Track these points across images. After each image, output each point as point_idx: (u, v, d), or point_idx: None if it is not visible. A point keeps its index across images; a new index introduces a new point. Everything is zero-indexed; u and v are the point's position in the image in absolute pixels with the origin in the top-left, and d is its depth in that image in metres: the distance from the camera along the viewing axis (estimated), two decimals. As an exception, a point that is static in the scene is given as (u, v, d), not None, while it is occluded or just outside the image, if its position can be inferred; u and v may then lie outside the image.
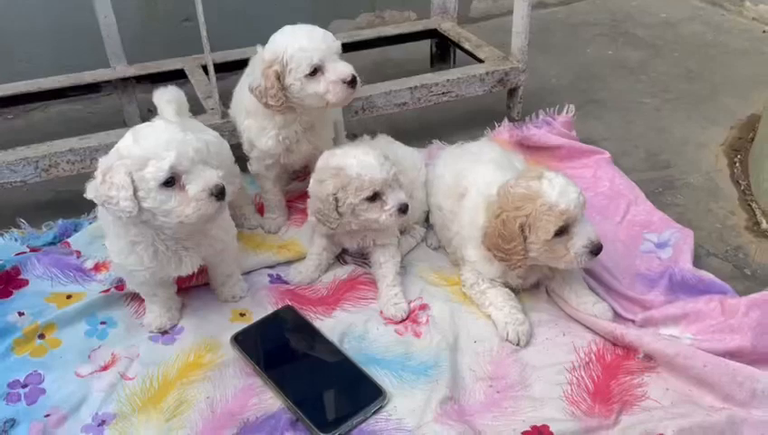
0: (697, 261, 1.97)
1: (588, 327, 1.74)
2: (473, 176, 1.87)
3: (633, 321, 1.77)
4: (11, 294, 1.86)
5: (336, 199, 1.75)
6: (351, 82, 1.81)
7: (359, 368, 1.63)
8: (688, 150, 2.53)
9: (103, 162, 1.48)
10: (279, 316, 1.79)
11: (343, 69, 1.81)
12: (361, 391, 1.57)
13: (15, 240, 2.04)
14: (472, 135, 2.47)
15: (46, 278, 1.91)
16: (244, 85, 1.95)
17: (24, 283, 1.89)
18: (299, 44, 1.80)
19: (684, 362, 1.58)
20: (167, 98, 1.86)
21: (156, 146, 1.45)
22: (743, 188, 2.31)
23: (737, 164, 2.43)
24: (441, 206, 1.97)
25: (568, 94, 2.86)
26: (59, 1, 2.75)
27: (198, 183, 1.47)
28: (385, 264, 1.85)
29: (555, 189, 1.62)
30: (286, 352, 1.70)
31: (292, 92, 1.82)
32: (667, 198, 2.28)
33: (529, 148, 2.43)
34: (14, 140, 2.32)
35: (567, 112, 2.54)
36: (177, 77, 2.64)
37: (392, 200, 1.76)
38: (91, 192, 1.48)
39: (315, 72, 1.80)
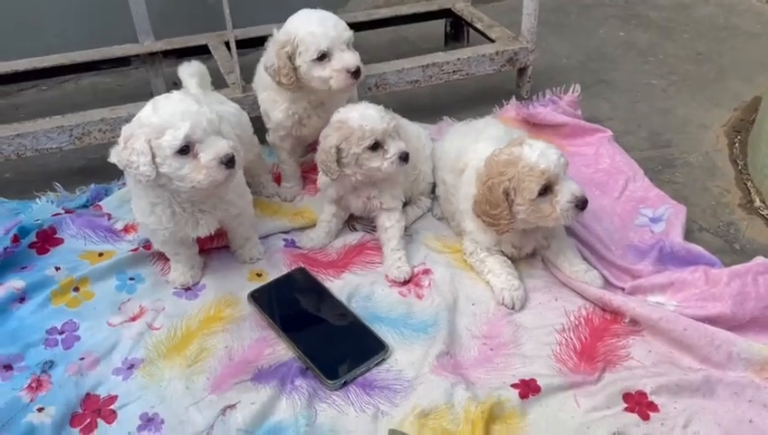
0: (690, 235, 2.08)
1: (579, 293, 1.86)
2: (473, 152, 1.99)
3: (623, 289, 1.89)
4: (48, 250, 2.02)
5: (339, 150, 1.87)
6: (355, 73, 1.93)
7: (364, 324, 1.77)
8: (690, 131, 2.61)
9: (126, 130, 1.62)
10: (292, 276, 1.93)
11: (349, 59, 1.93)
12: (366, 345, 1.72)
13: (51, 202, 2.19)
14: (482, 112, 2.58)
15: (80, 238, 2.07)
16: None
17: (60, 241, 2.05)
18: (310, 29, 1.92)
19: (666, 325, 1.70)
20: (189, 72, 1.99)
21: (172, 116, 1.58)
22: (740, 167, 2.40)
23: (737, 144, 2.52)
24: (445, 180, 2.09)
25: (578, 74, 2.95)
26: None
27: (210, 152, 1.59)
28: (390, 228, 1.98)
29: (535, 152, 1.74)
30: (298, 308, 1.85)
31: (300, 73, 1.95)
32: (665, 175, 2.38)
33: (534, 125, 2.53)
34: (48, 110, 2.49)
35: (573, 92, 2.63)
36: (201, 52, 2.78)
37: (393, 148, 1.88)
38: (114, 157, 1.62)
39: (323, 57, 1.92)
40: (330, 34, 1.92)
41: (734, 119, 2.68)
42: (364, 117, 1.87)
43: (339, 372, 1.65)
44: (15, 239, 1.98)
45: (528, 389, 1.61)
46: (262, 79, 2.11)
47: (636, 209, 2.17)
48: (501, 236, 1.87)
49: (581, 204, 1.74)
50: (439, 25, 3.26)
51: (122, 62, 2.80)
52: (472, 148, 2.01)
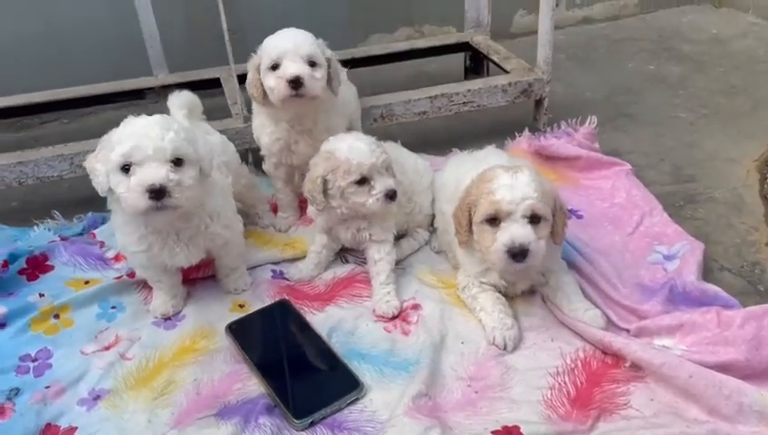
0: (709, 275, 1.91)
1: (578, 334, 1.71)
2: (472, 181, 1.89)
3: (627, 330, 1.73)
4: (37, 277, 2.01)
5: (325, 182, 1.81)
6: (292, 82, 1.85)
7: (341, 361, 1.67)
8: (717, 165, 2.44)
9: (104, 138, 1.62)
10: (273, 309, 1.85)
11: (290, 68, 1.86)
12: (340, 383, 1.61)
13: (49, 230, 2.20)
14: (497, 145, 2.45)
15: (70, 265, 2.04)
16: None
17: (50, 268, 2.03)
18: (270, 40, 1.91)
19: (669, 371, 1.53)
20: (177, 103, 1.98)
21: (128, 135, 1.55)
22: (771, 203, 2.21)
23: (768, 179, 2.33)
24: (443, 210, 1.99)
25: (600, 108, 2.82)
26: (110, 16, 2.96)
27: (138, 177, 1.53)
28: (380, 261, 1.89)
29: (504, 182, 1.64)
30: (275, 342, 1.75)
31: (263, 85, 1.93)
32: (687, 211, 2.21)
33: (548, 158, 2.42)
34: (67, 142, 2.51)
35: (589, 123, 2.50)
36: (214, 85, 2.79)
37: (380, 185, 1.80)
38: (86, 162, 1.63)
39: (275, 68, 1.89)
40: (283, 46, 1.88)
41: None
42: (353, 149, 1.81)
43: (307, 410, 1.54)
44: (5, 265, 1.97)
45: (510, 437, 1.46)
46: (256, 106, 2.08)
47: (650, 246, 2.01)
48: (459, 246, 1.78)
49: (516, 253, 1.61)
50: (460, 60, 3.19)
51: (137, 94, 2.83)
52: (471, 176, 1.91)
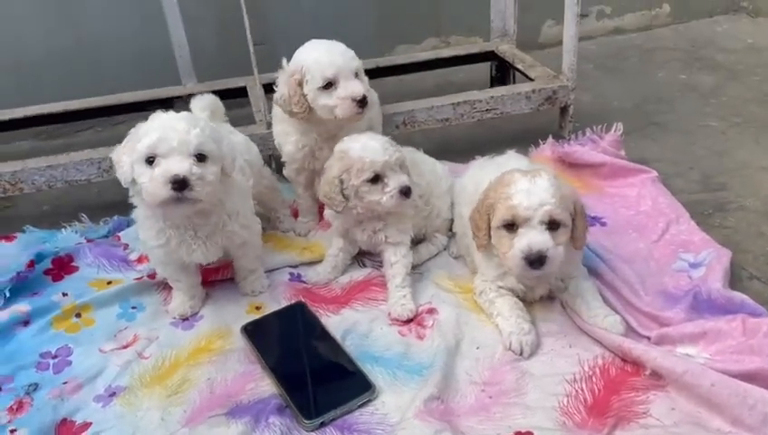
0: (737, 283, 1.86)
1: (597, 340, 1.67)
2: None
3: (648, 338, 1.68)
4: (62, 278, 2.04)
5: (341, 182, 1.81)
6: (360, 102, 1.88)
7: (353, 363, 1.65)
8: (749, 174, 2.37)
9: (131, 131, 1.66)
10: (289, 311, 1.85)
11: (355, 87, 1.88)
12: (351, 385, 1.60)
13: (75, 232, 2.25)
14: (521, 153, 2.44)
15: (94, 266, 2.08)
16: (278, 97, 2.06)
17: (75, 269, 2.07)
18: (316, 57, 1.90)
19: (691, 380, 1.48)
20: (200, 105, 2.01)
21: (155, 128, 1.59)
22: (806, 212, 2.14)
23: (804, 188, 2.26)
24: (462, 214, 1.97)
25: (628, 117, 2.77)
26: (140, 29, 3.03)
27: (162, 167, 1.57)
28: (395, 264, 1.88)
29: (522, 186, 1.62)
30: (288, 343, 1.75)
31: (308, 101, 1.92)
32: (715, 219, 2.15)
33: (571, 165, 2.38)
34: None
35: (615, 131, 2.46)
36: (241, 94, 2.83)
37: (393, 182, 1.80)
38: (113, 153, 1.68)
39: (329, 85, 1.89)
40: (336, 63, 1.89)
41: (804, 162, 2.42)
42: (365, 148, 1.81)
43: (317, 411, 1.53)
44: (31, 265, 2.02)
45: (522, 443, 1.43)
46: (276, 113, 2.10)
47: (675, 254, 1.96)
48: (478, 249, 1.76)
49: (532, 259, 1.58)
50: (486, 69, 3.18)
51: (166, 103, 2.88)
52: (490, 179, 1.89)
